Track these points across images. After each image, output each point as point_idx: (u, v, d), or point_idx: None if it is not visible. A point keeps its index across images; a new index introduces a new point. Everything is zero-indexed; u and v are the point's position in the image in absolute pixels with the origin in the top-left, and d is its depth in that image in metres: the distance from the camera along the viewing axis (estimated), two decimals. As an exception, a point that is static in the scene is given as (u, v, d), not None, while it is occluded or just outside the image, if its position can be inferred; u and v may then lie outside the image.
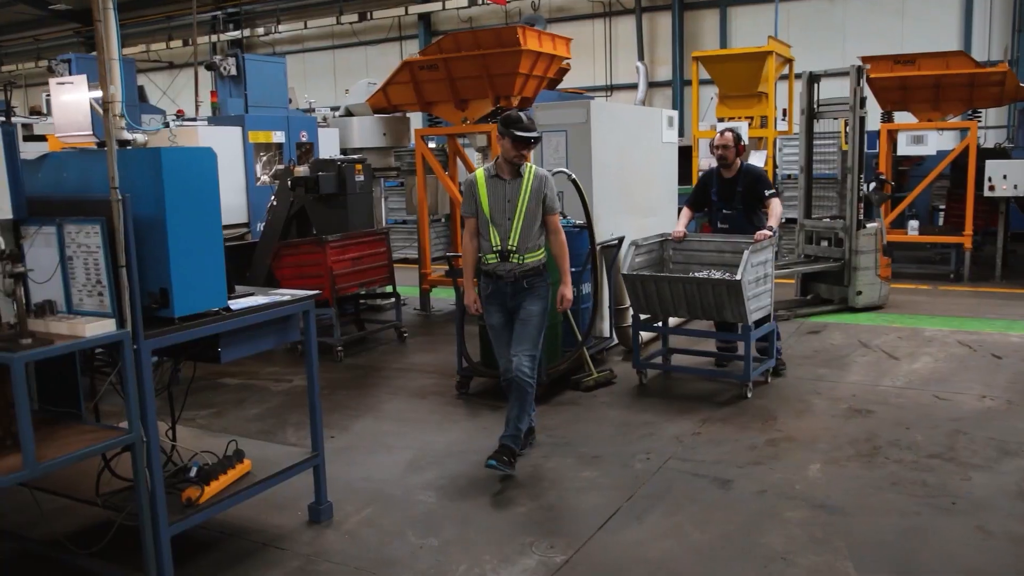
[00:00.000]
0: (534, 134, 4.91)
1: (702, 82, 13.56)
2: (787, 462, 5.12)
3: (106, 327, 3.31)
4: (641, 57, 18.85)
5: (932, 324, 8.88)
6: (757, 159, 13.23)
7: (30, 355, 3.03)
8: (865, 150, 9.51)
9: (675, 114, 9.34)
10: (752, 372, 6.47)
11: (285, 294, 4.28)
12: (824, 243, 9.98)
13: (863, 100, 9.32)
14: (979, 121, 11.58)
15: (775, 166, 12.97)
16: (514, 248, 4.97)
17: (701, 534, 4.24)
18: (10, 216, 3.46)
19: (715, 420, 5.96)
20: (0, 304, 3.55)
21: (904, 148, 11.62)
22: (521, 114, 4.94)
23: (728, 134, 6.93)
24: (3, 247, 3.13)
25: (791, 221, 11.45)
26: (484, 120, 9.53)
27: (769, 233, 6.46)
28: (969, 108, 11.45)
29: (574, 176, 6.60)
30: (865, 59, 10.99)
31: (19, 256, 3.13)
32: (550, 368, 6.52)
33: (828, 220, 10.15)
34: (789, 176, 13.11)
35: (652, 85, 18.90)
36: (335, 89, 20.61)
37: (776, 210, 6.65)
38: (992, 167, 10.94)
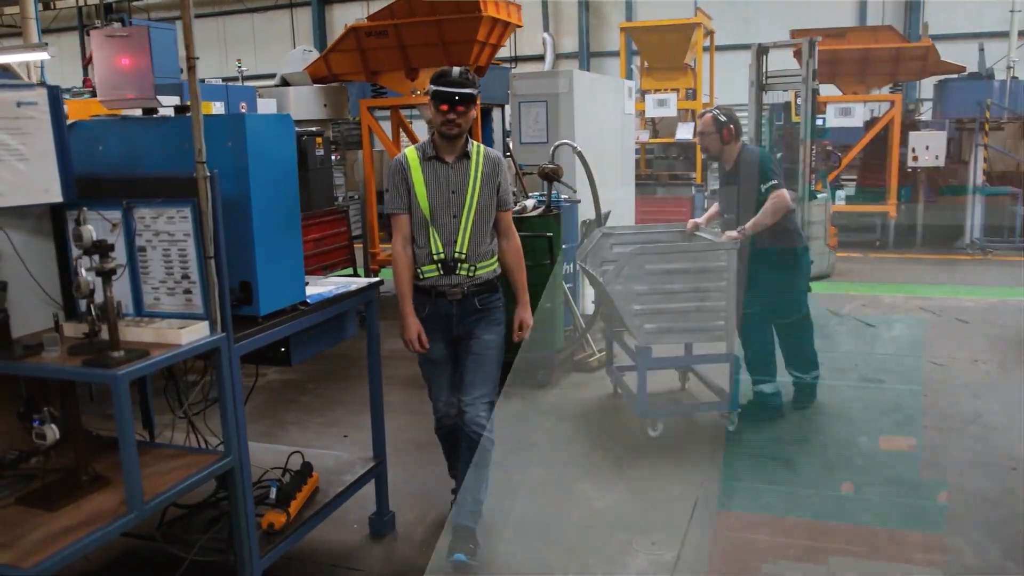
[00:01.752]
0: (464, 90, 3.46)
1: (633, 53, 13.40)
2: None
3: (200, 331, 2.74)
4: (547, 28, 18.59)
5: (887, 291, 9.11)
6: (685, 132, 13.29)
7: (135, 371, 2.45)
8: (815, 123, 9.59)
9: (634, 84, 9.14)
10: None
11: (350, 283, 3.78)
12: (773, 214, 10.04)
13: (815, 72, 9.39)
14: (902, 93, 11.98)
15: (703, 138, 13.01)
16: (463, 255, 3.61)
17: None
18: (60, 199, 2.83)
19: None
20: (32, 306, 2.92)
21: (832, 120, 11.87)
22: (454, 68, 3.59)
23: (707, 116, 5.24)
24: (88, 235, 2.50)
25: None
26: (436, 90, 9.02)
27: (734, 235, 5.01)
28: (892, 81, 11.81)
29: (579, 148, 6.25)
30: (797, 32, 11.12)
31: (110, 247, 2.52)
32: (557, 352, 6.22)
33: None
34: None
35: (559, 57, 18.69)
36: (226, 60, 19.29)
37: (767, 208, 4.99)
38: (915, 138, 11.34)
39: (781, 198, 5.00)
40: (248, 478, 2.99)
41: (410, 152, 3.66)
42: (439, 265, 3.63)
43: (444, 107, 3.49)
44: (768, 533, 2.18)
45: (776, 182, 5.05)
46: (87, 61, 12.28)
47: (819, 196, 9.68)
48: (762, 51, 10.15)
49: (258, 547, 3.05)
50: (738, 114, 5.39)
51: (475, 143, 3.72)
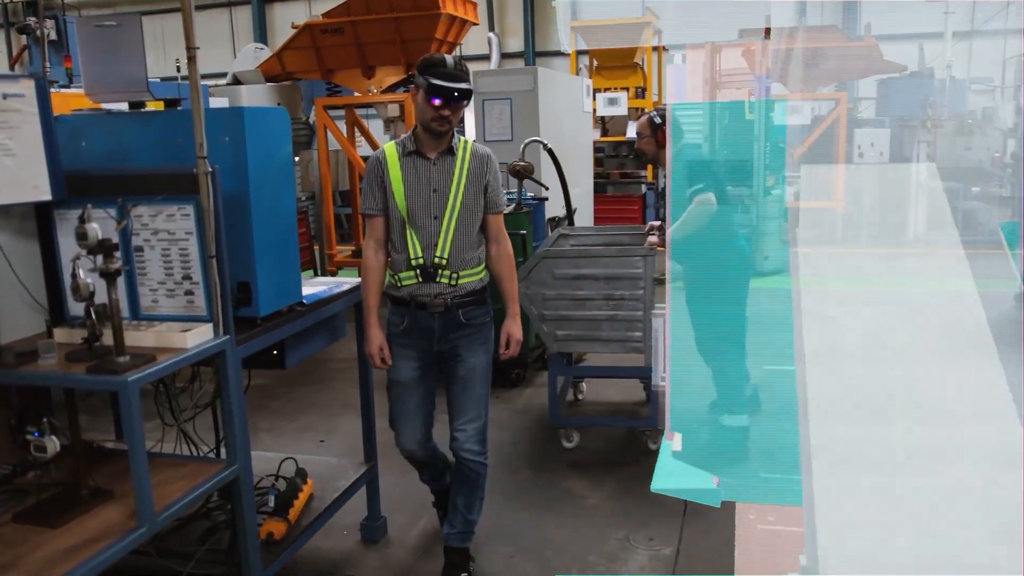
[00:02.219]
0: (463, 85, 3.14)
1: (581, 52, 13.44)
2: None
3: (205, 334, 2.62)
4: (492, 27, 18.52)
5: (839, 284, 9.28)
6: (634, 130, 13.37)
7: (145, 376, 2.32)
8: (785, 121, 9.75)
9: (591, 82, 9.15)
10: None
11: (342, 283, 3.67)
12: (728, 210, 10.17)
13: (769, 71, 9.55)
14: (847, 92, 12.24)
15: (653, 136, 13.11)
16: (444, 262, 3.25)
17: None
18: (49, 196, 2.67)
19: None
20: (18, 312, 2.76)
21: (780, 118, 12.08)
22: (446, 56, 3.22)
23: (643, 119, 4.90)
24: (93, 234, 2.36)
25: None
26: (394, 88, 8.91)
27: (654, 240, 4.67)
28: (837, 80, 12.06)
29: (550, 145, 6.22)
30: (746, 32, 11.28)
31: (115, 246, 2.38)
32: (531, 351, 6.18)
33: (731, 188, 10.34)
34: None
35: (505, 56, 18.65)
36: (164, 59, 18.72)
37: (690, 211, 4.48)
38: (860, 135, 11.61)
39: (705, 202, 4.47)
40: (251, 487, 2.87)
41: (389, 148, 3.30)
42: (417, 272, 3.25)
43: (437, 102, 3.13)
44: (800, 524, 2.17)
45: (701, 186, 4.49)
46: (14, 60, 11.85)
47: (773, 192, 9.83)
48: (715, 50, 10.30)
49: (259, 558, 2.93)
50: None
51: (462, 138, 3.37)
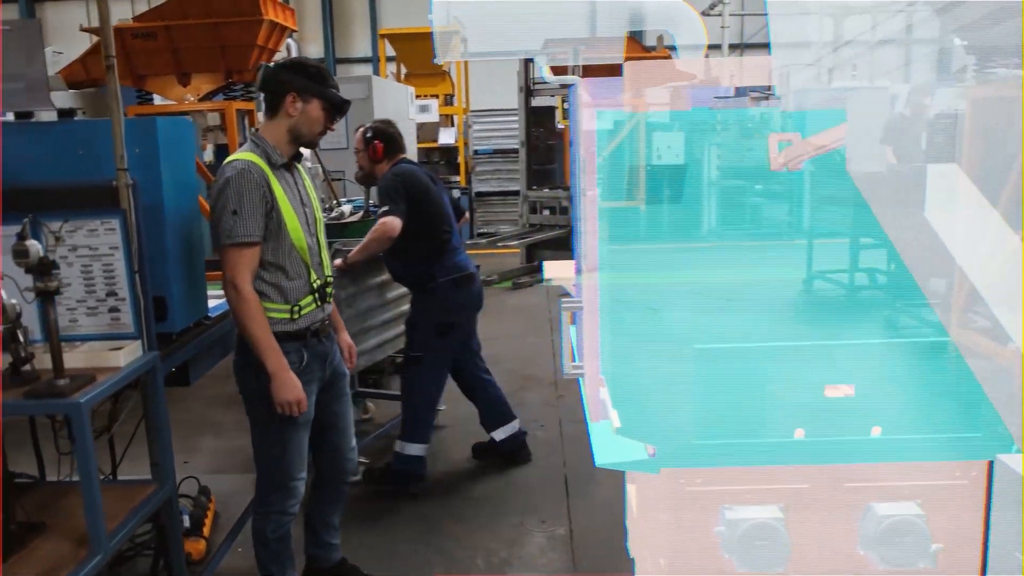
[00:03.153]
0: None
1: (390, 59, 13.54)
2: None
3: (135, 352, 2.57)
4: (290, 34, 18.18)
5: (655, 279, 10.02)
6: (448, 136, 13.68)
7: (94, 396, 2.26)
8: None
9: (413, 90, 9.32)
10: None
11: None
12: (547, 212, 10.69)
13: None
14: (643, 98, 13.17)
15: (466, 143, 13.49)
16: (330, 279, 3.12)
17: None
18: (-52, 216, 2.50)
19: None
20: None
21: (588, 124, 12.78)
22: (320, 64, 3.07)
23: (359, 132, 4.70)
24: (35, 251, 2.25)
25: (514, 193, 12.04)
26: (211, 96, 8.62)
27: (339, 263, 4.23)
28: (636, 88, 12.94)
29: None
30: (553, 43, 11.85)
31: (52, 264, 2.28)
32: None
33: (548, 191, 10.87)
34: (476, 152, 13.69)
35: (306, 63, 18.37)
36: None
37: (368, 235, 4.28)
38: (659, 139, 12.54)
39: (384, 225, 4.19)
40: (177, 510, 2.83)
41: (255, 159, 2.84)
42: (315, 296, 3.01)
43: (336, 116, 3.00)
44: (729, 483, 2.48)
45: (387, 208, 4.26)
46: None
47: (588, 193, 10.42)
48: (527, 59, 10.76)
49: (187, 577, 2.89)
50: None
51: None
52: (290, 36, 18.39)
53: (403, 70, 13.48)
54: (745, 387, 2.46)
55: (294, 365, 2.90)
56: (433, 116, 12.98)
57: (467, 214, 5.46)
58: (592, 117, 3.64)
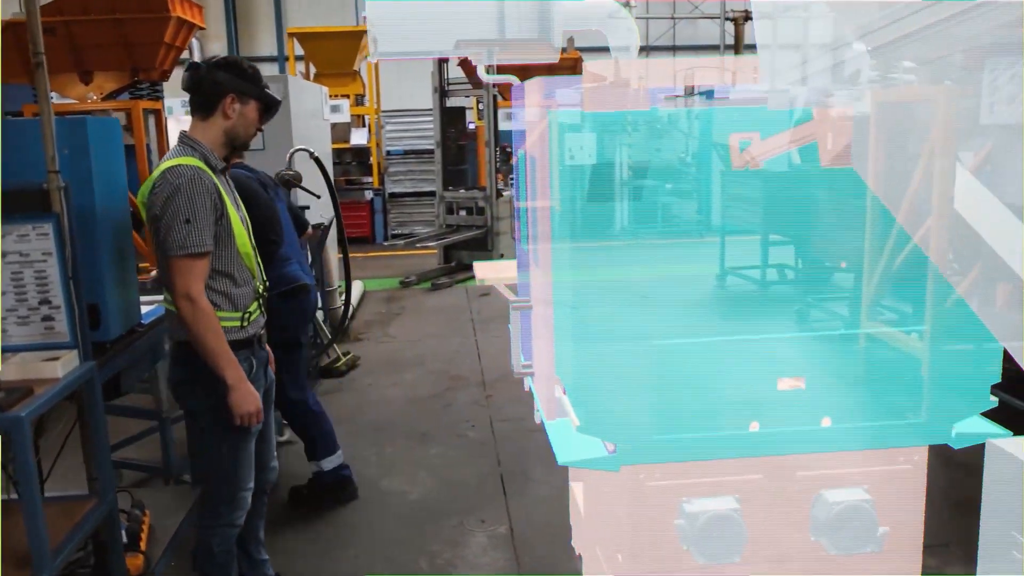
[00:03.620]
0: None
1: (297, 58, 13.27)
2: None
3: (73, 362, 2.43)
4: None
5: (562, 276, 10.14)
6: (360, 137, 13.51)
7: (34, 410, 2.13)
8: (499, 127, 10.37)
9: (327, 90, 9.16)
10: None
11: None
12: (463, 212, 10.67)
13: (494, 79, 10.15)
14: (555, 99, 13.28)
15: (378, 144, 13.34)
16: (266, 283, 3.05)
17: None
18: None
19: (498, 383, 6.22)
20: None
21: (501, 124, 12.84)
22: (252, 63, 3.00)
23: None
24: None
25: (427, 194, 11.97)
26: (115, 95, 8.27)
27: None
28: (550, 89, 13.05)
29: (316, 153, 6.20)
30: (463, 44, 11.84)
31: (-14, 273, 2.14)
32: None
33: (464, 191, 10.84)
34: (388, 153, 13.56)
35: (208, 61, 17.82)
36: None
37: None
38: (571, 139, 12.67)
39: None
40: (119, 524, 2.70)
41: (198, 163, 2.71)
42: (260, 302, 2.96)
43: (265, 117, 2.94)
44: (686, 477, 2.52)
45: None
46: None
47: (504, 193, 10.46)
48: (442, 59, 10.72)
49: (127, 596, 2.76)
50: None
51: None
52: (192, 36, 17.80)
53: (312, 70, 13.23)
54: (700, 382, 2.51)
55: (246, 373, 2.82)
56: (345, 116, 12.79)
57: (310, 230, 5.34)
58: (544, 117, 3.63)
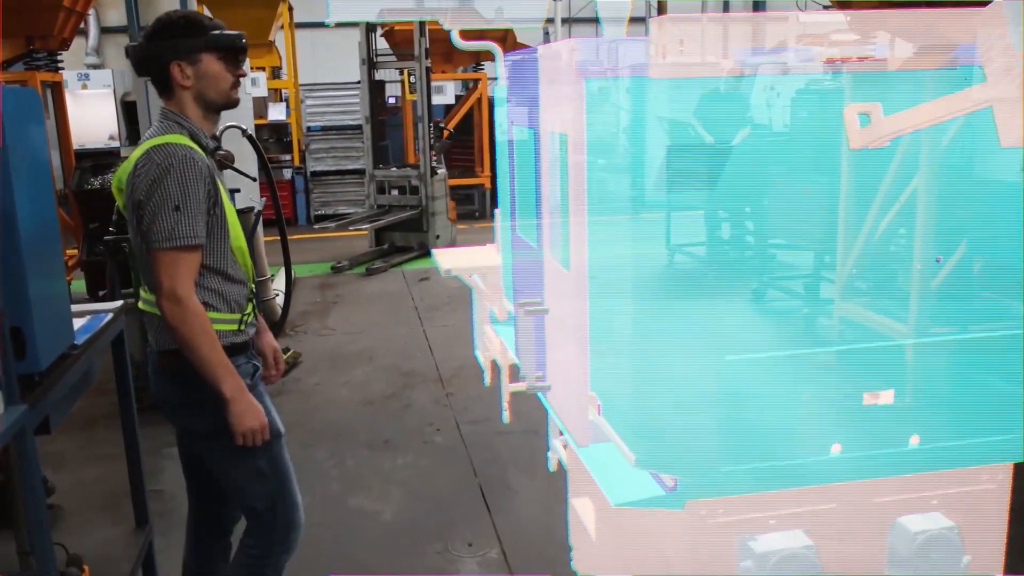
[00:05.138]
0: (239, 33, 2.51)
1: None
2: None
3: (-3, 407, 1.89)
4: None
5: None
6: (278, 112, 12.75)
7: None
8: (432, 101, 9.83)
9: (248, 62, 8.44)
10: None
11: (97, 311, 2.92)
12: (395, 192, 10.12)
13: (427, 51, 9.59)
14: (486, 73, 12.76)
15: (297, 120, 12.60)
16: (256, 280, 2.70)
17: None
18: None
19: (459, 379, 5.78)
20: None
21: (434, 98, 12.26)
22: (195, 12, 2.58)
23: None
24: None
25: (352, 172, 11.36)
26: (8, 66, 7.41)
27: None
28: (476, 61, 12.55)
29: (250, 131, 5.58)
30: (389, 12, 11.21)
31: None
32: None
33: (396, 169, 10.27)
34: (308, 129, 12.84)
35: (105, 31, 16.58)
36: None
37: None
38: (501, 114, 12.22)
39: None
40: (58, 596, 2.17)
41: (189, 142, 2.34)
42: (253, 302, 2.57)
43: (235, 60, 2.45)
44: (750, 510, 2.16)
45: None
46: None
47: (439, 171, 9.95)
48: (370, 28, 10.09)
49: None
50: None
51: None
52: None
53: (224, 40, 12.36)
54: (773, 401, 2.13)
55: (248, 377, 2.45)
56: (261, 91, 11.99)
57: None
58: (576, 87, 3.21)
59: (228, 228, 2.41)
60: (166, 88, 2.40)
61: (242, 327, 2.48)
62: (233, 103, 2.52)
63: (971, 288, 3.21)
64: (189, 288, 2.28)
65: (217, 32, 2.40)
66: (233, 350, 2.41)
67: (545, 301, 2.63)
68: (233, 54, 2.45)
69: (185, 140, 2.35)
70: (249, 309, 2.52)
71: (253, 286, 2.56)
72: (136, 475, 3.15)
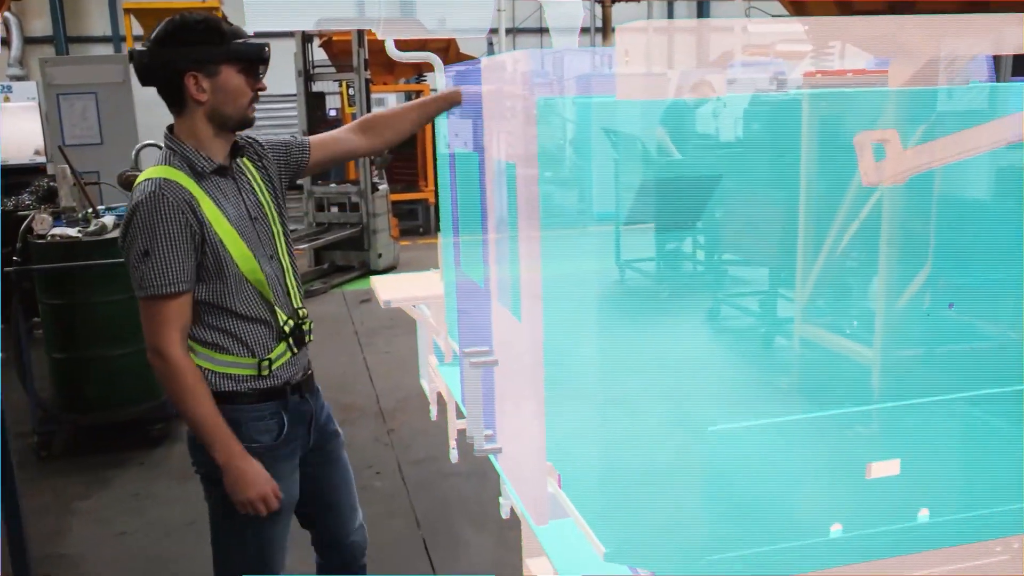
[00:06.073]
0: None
1: (135, 38, 11.79)
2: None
3: None
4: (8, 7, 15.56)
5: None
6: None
7: None
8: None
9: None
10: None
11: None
12: (335, 209, 9.71)
13: (366, 62, 9.23)
14: (429, 84, 12.40)
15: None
16: (305, 312, 2.34)
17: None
18: None
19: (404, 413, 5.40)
20: None
21: (375, 110, 11.84)
22: (211, 16, 2.23)
23: None
24: None
25: (297, 188, 10.85)
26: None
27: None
28: (418, 72, 12.20)
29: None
30: (326, 21, 10.81)
31: None
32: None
33: (335, 185, 9.86)
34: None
35: (29, 41, 15.81)
36: None
37: None
38: (446, 126, 11.89)
39: None
40: None
41: (172, 173, 2.09)
42: (290, 340, 2.26)
43: (255, 71, 2.18)
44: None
45: None
46: None
47: (380, 188, 9.58)
48: (307, 38, 9.70)
49: None
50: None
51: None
52: (8, 11, 15.92)
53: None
54: (761, 475, 1.81)
55: (271, 433, 2.23)
56: (193, 103, 11.47)
57: None
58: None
59: (232, 260, 2.13)
60: (176, 101, 2.15)
61: (266, 372, 2.20)
62: (249, 122, 2.24)
63: (937, 307, 3.01)
64: (171, 339, 2.08)
65: (240, 41, 2.14)
66: (257, 395, 2.20)
67: (494, 350, 2.29)
68: (255, 67, 2.19)
69: (167, 171, 2.10)
70: (277, 352, 2.23)
71: (288, 319, 2.25)
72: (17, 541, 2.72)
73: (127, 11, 11.24)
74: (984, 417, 2.14)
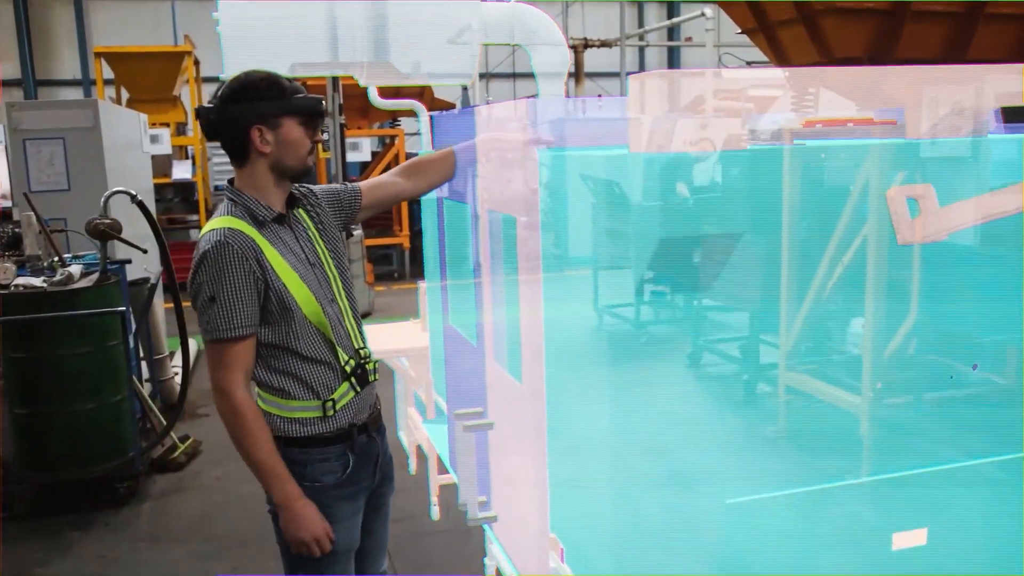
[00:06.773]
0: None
1: (106, 82, 11.66)
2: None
3: None
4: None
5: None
6: (183, 170, 12.11)
7: None
8: (347, 158, 9.39)
9: (146, 118, 7.85)
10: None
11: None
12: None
13: (340, 107, 9.18)
14: (402, 128, 12.38)
15: (204, 179, 11.95)
16: (367, 352, 2.43)
17: None
18: None
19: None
20: None
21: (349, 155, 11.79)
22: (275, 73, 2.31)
23: None
24: None
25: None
26: None
27: None
28: (392, 117, 12.16)
29: (140, 197, 5.01)
30: (300, 67, 10.77)
31: None
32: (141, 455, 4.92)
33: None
34: (216, 188, 12.21)
35: (-3, 84, 15.64)
36: None
37: None
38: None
39: None
40: None
41: (235, 223, 2.18)
42: (354, 380, 2.35)
43: (314, 124, 2.28)
44: None
45: None
46: None
47: (355, 232, 9.45)
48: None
49: None
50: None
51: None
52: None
53: (125, 95, 11.68)
54: (785, 549, 1.70)
55: (335, 474, 2.31)
56: (165, 148, 11.32)
57: None
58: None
59: (296, 305, 2.22)
60: (240, 154, 2.23)
61: (331, 413, 2.28)
62: (308, 171, 2.33)
63: (923, 353, 2.97)
64: (234, 380, 2.18)
65: (300, 96, 2.25)
66: (322, 440, 2.27)
67: (489, 412, 2.16)
68: (313, 119, 2.30)
69: (230, 221, 2.19)
70: (340, 391, 2.30)
71: (349, 359, 2.33)
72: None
73: (98, 55, 11.17)
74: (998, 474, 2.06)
